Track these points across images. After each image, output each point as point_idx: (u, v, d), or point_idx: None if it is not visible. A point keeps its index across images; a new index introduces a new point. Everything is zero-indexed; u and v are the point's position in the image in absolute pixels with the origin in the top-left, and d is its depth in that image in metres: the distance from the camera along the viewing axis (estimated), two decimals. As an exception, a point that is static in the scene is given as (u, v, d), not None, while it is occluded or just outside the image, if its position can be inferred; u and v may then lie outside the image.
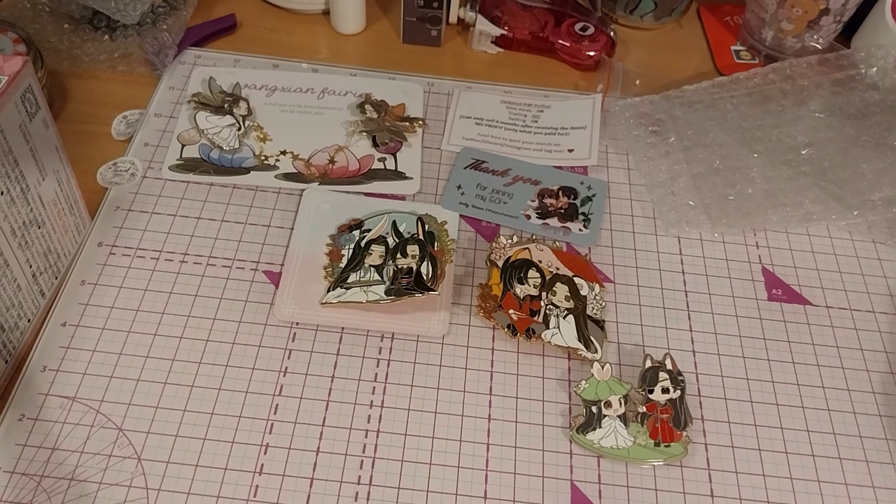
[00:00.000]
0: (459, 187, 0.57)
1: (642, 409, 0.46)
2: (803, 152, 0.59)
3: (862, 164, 0.58)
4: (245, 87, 0.62)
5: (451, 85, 0.65)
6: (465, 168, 0.58)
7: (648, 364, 0.47)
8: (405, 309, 0.49)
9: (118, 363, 0.46)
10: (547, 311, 0.49)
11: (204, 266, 0.51)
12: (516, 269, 0.51)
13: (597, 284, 0.51)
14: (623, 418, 0.45)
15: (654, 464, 0.45)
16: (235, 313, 0.49)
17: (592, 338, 0.49)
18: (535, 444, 0.45)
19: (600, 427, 0.45)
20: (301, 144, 0.59)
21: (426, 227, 0.53)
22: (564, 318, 0.49)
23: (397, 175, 0.58)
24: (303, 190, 0.56)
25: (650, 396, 0.46)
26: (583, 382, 0.46)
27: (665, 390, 0.46)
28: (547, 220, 0.55)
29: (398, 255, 0.51)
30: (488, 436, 0.45)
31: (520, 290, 0.50)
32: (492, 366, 0.48)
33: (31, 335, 0.47)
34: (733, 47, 0.71)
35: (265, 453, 0.43)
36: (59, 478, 0.42)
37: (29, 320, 0.47)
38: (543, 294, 0.50)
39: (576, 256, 0.53)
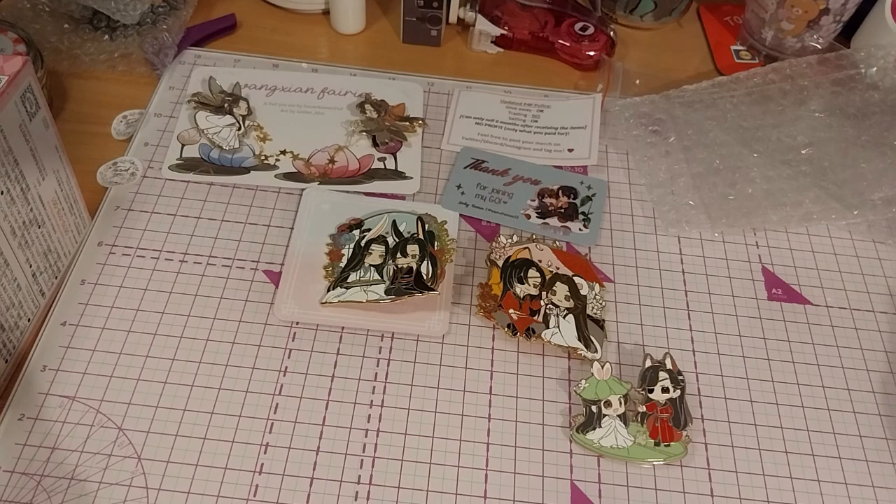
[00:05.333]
0: (459, 187, 0.57)
1: (642, 408, 0.46)
2: (803, 152, 0.59)
3: (862, 164, 0.58)
4: (245, 87, 0.62)
5: (451, 85, 0.65)
6: (465, 168, 0.58)
7: (648, 363, 0.47)
8: (405, 308, 0.49)
9: (118, 363, 0.46)
10: (547, 311, 0.49)
11: (204, 266, 0.51)
12: (516, 269, 0.51)
13: (597, 284, 0.51)
14: (623, 418, 0.45)
15: (654, 463, 0.45)
16: (235, 313, 0.49)
17: (592, 337, 0.49)
18: (535, 444, 0.45)
19: (600, 426, 0.45)
20: (301, 144, 0.59)
21: (426, 226, 0.53)
22: (564, 317, 0.49)
23: (397, 175, 0.58)
24: (303, 190, 0.56)
25: (650, 396, 0.46)
26: (583, 382, 0.46)
27: (665, 390, 0.46)
28: (547, 220, 0.55)
29: (398, 255, 0.51)
30: (488, 435, 0.45)
31: (520, 289, 0.50)
32: (492, 365, 0.48)
33: (31, 335, 0.47)
34: (733, 47, 0.71)
35: (265, 453, 0.43)
36: (59, 477, 0.42)
37: (29, 320, 0.47)
38: (543, 293, 0.50)
39: (576, 256, 0.53)
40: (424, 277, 0.49)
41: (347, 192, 0.56)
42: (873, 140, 0.60)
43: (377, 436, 0.45)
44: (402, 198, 0.56)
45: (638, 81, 0.65)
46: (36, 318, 0.47)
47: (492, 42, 0.68)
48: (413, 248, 0.51)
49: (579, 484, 0.44)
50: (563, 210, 0.56)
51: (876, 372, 0.50)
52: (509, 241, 0.53)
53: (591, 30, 0.68)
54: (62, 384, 0.45)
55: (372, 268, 0.50)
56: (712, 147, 0.59)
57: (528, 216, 0.56)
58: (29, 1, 0.64)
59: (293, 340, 0.48)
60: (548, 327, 0.49)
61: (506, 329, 0.48)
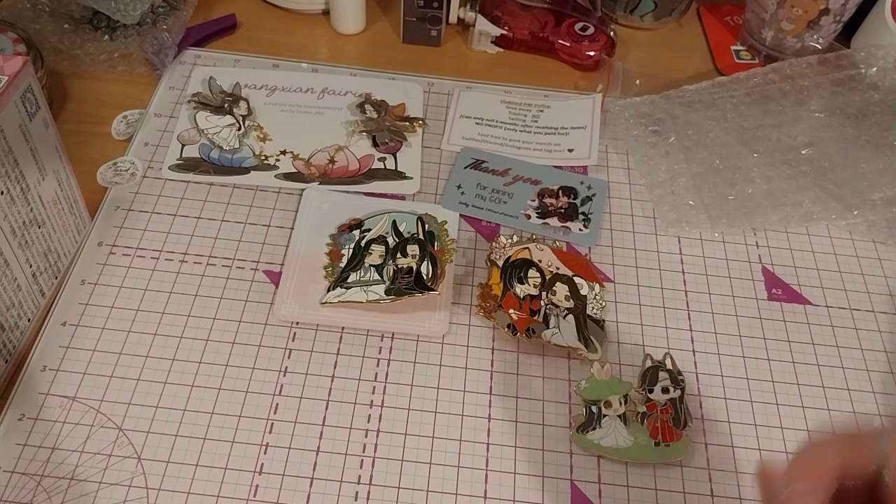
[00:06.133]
0: (459, 187, 0.57)
1: (642, 408, 0.46)
2: (803, 152, 0.59)
3: (862, 164, 0.58)
4: (245, 87, 0.62)
5: (451, 85, 0.65)
6: (465, 168, 0.58)
7: (648, 364, 0.47)
8: (405, 309, 0.49)
9: (118, 363, 0.46)
10: (547, 311, 0.49)
11: (204, 266, 0.51)
12: (516, 269, 0.51)
13: (597, 284, 0.51)
14: (623, 418, 0.45)
15: (654, 463, 0.45)
16: (235, 313, 0.49)
17: (592, 337, 0.49)
18: (535, 444, 0.45)
19: (600, 427, 0.45)
20: (301, 144, 0.59)
21: (426, 226, 0.53)
22: (564, 317, 0.49)
23: (397, 175, 0.58)
24: (303, 190, 0.56)
25: (650, 396, 0.46)
26: (583, 382, 0.46)
27: (665, 390, 0.46)
28: (547, 220, 0.55)
29: (398, 255, 0.51)
30: (488, 436, 0.45)
31: (520, 289, 0.50)
32: (492, 366, 0.48)
33: (31, 335, 0.47)
34: (733, 47, 0.71)
35: (265, 453, 0.43)
36: (59, 477, 0.42)
37: (29, 320, 0.47)
38: (543, 294, 0.50)
39: (576, 256, 0.53)
40: (424, 277, 0.49)
41: (347, 192, 0.56)
42: (873, 140, 0.60)
43: (377, 436, 0.45)
44: (402, 198, 0.56)
45: (638, 81, 0.65)
46: (36, 319, 0.47)
47: (492, 42, 0.68)
48: (413, 248, 0.51)
49: (579, 484, 0.44)
50: (563, 210, 0.56)
51: (876, 372, 0.50)
52: (509, 241, 0.53)
53: (591, 30, 0.68)
54: (62, 384, 0.45)
55: (372, 268, 0.50)
56: (712, 147, 0.59)
57: (528, 216, 0.56)
58: (29, 1, 0.64)
59: (293, 340, 0.48)
60: (548, 327, 0.49)
61: (506, 329, 0.48)
